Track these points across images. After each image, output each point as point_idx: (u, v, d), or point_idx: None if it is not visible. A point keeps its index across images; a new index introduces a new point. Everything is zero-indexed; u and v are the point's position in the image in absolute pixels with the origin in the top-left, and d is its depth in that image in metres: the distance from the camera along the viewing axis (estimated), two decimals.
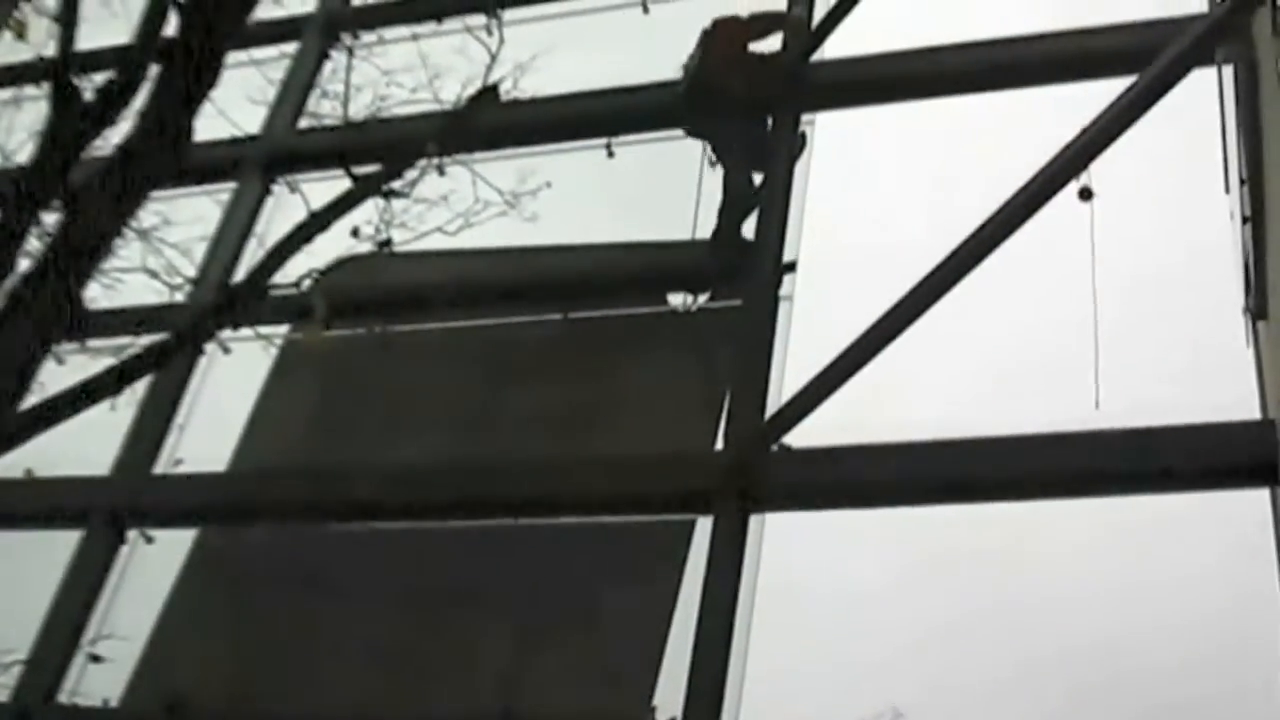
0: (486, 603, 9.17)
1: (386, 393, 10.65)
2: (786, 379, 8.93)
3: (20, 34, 12.12)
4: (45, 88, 8.03)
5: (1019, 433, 8.04)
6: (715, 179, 10.20)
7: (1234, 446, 7.66)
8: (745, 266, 9.52)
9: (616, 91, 11.05)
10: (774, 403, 8.84)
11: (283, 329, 10.63)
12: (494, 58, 9.62)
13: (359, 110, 9.98)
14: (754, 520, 8.40)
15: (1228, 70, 8.90)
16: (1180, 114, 8.34)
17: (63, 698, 9.49)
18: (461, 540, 9.47)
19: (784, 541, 8.39)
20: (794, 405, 8.53)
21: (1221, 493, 7.74)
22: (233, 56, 8.27)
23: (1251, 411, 7.95)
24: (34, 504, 10.40)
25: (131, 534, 10.14)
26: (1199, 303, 8.66)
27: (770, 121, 10.16)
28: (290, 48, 12.81)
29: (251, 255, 11.14)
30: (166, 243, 9.78)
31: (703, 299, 10.14)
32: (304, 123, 12.17)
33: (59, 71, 7.84)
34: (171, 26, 8.04)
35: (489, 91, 9.49)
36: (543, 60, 10.15)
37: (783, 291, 9.37)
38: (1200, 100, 8.98)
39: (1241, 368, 8.28)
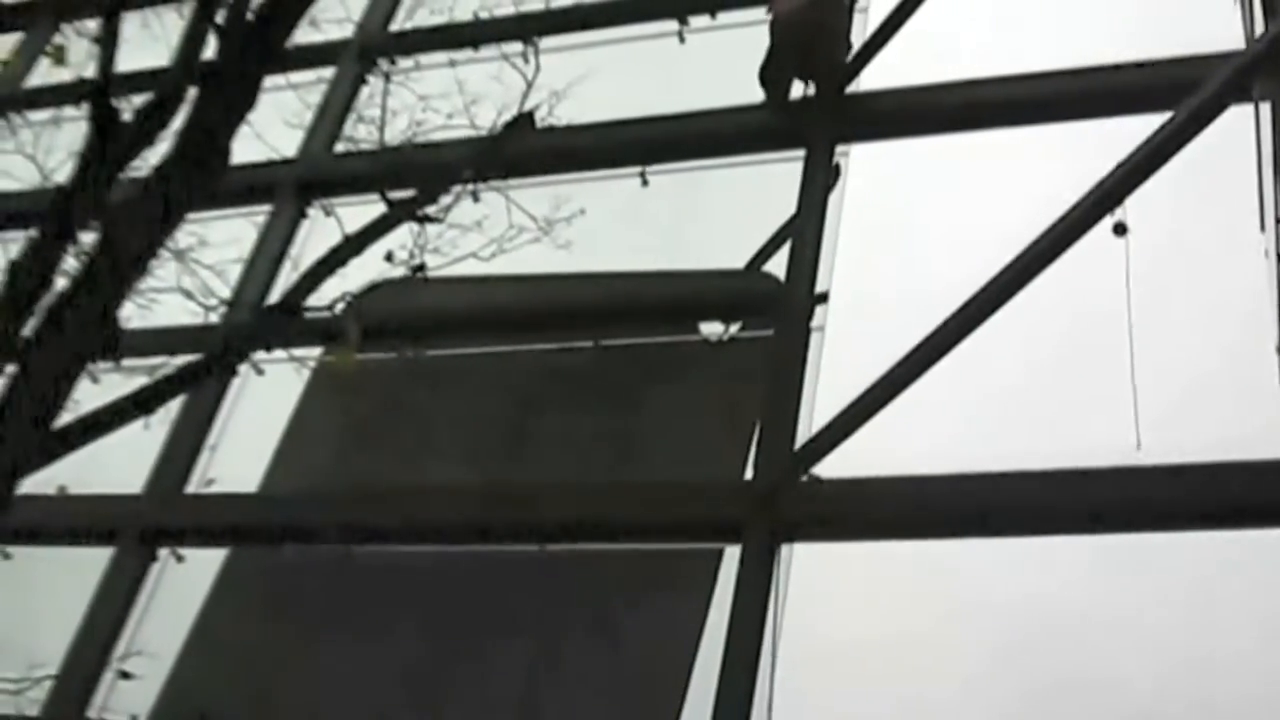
0: (512, 627, 9.17)
1: (418, 417, 10.67)
2: (817, 410, 8.93)
3: (60, 60, 12.22)
4: (84, 109, 8.07)
5: (1050, 467, 8.03)
6: (745, 211, 10.25)
7: (1264, 485, 7.64)
8: (778, 297, 9.54)
9: (651, 120, 11.07)
10: (804, 433, 8.84)
11: (316, 352, 10.66)
12: (530, 85, 9.64)
13: (395, 135, 10.02)
14: (783, 550, 8.41)
15: (1264, 107, 8.88)
16: (1216, 151, 8.33)
17: (92, 714, 9.52)
18: (489, 565, 9.49)
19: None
20: (824, 436, 8.53)
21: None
22: (270, 80, 8.30)
23: None
24: (67, 521, 10.44)
25: (162, 552, 10.19)
26: (1231, 340, 8.62)
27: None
28: (327, 72, 12.88)
29: (286, 278, 11.19)
30: (202, 264, 9.82)
31: (734, 329, 10.16)
32: (340, 147, 12.23)
33: (98, 93, 7.89)
34: (210, 50, 8.10)
35: (524, 118, 9.50)
36: (578, 88, 10.18)
37: (814, 323, 9.37)
38: (1236, 137, 8.96)
39: (1273, 405, 8.24)
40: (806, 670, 8.10)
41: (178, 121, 7.92)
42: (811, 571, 8.41)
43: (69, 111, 12.39)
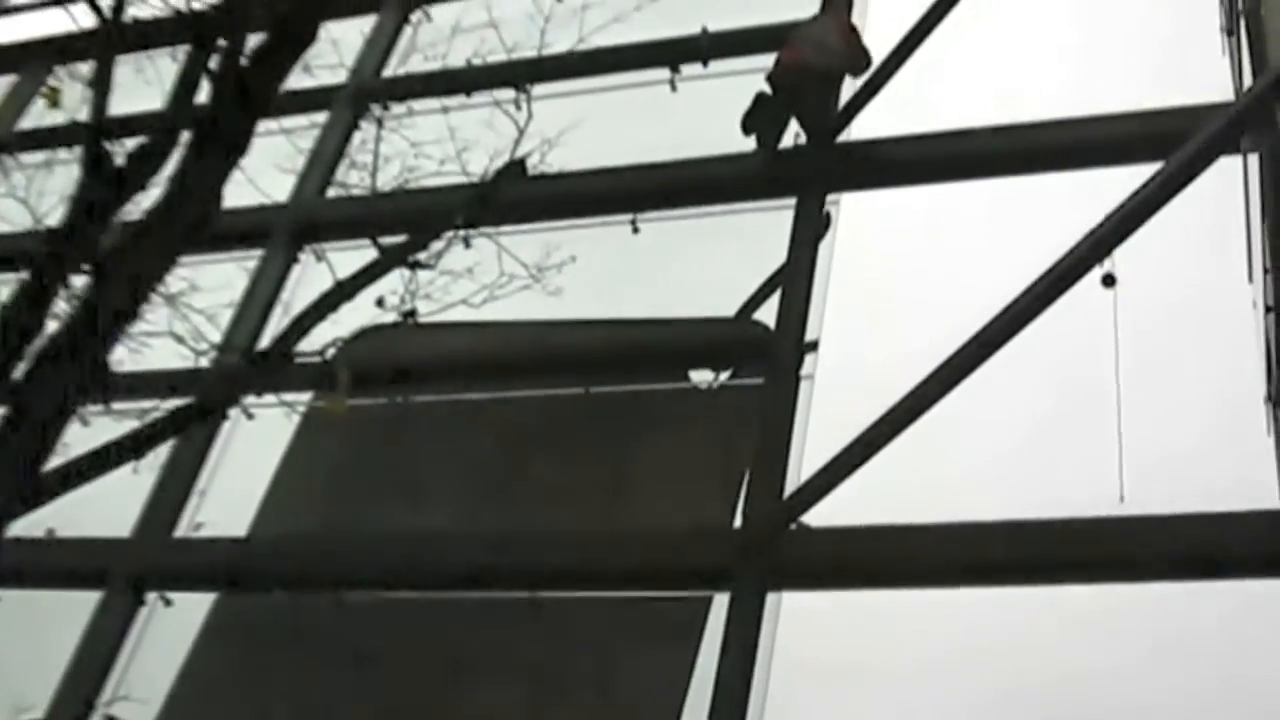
0: (500, 675, 9.15)
1: (407, 463, 10.66)
2: (807, 458, 8.93)
3: (54, 102, 12.24)
4: (77, 152, 8.08)
5: (1037, 517, 8.03)
6: (736, 259, 10.27)
7: (1254, 535, 7.64)
8: (768, 345, 9.55)
9: (642, 168, 11.11)
10: (793, 481, 8.83)
11: (306, 397, 10.65)
12: (522, 132, 9.66)
13: (387, 181, 10.03)
14: (770, 598, 8.40)
15: (1253, 159, 8.93)
16: (1204, 202, 8.36)
17: None
18: (477, 611, 9.47)
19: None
20: (813, 484, 8.53)
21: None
22: (263, 125, 8.31)
23: (1271, 500, 7.92)
24: (55, 564, 10.40)
25: (150, 596, 10.17)
26: (1220, 390, 8.64)
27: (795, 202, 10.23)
28: (320, 117, 12.91)
29: (277, 322, 11.20)
30: (193, 308, 9.79)
31: (724, 376, 10.17)
32: (332, 192, 12.24)
33: (91, 136, 7.90)
34: (203, 94, 8.11)
35: (516, 165, 9.52)
36: (570, 135, 10.20)
37: (804, 371, 9.38)
38: (1225, 188, 9.00)
39: (1262, 456, 8.25)
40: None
41: (170, 165, 7.94)
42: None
43: (62, 155, 12.39)
